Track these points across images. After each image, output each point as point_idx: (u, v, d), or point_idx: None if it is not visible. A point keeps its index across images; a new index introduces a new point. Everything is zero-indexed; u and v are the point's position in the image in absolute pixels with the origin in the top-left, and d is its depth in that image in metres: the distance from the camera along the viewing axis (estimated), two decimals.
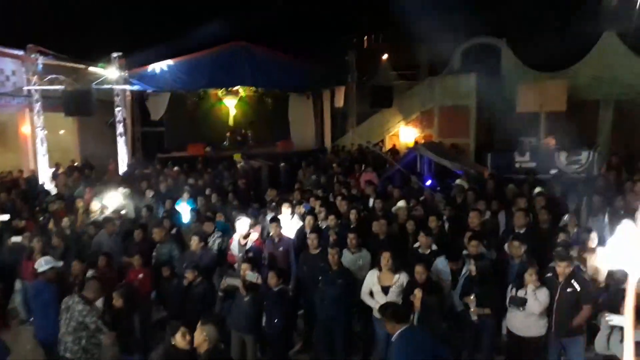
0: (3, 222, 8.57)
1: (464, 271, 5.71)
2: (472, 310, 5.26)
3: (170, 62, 17.12)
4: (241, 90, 19.60)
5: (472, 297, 5.24)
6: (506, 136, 15.18)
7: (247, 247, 7.15)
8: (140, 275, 7.04)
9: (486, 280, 5.32)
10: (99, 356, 5.10)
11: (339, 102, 19.89)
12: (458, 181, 9.85)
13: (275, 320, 5.75)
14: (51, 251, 7.04)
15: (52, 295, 5.74)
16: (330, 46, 19.48)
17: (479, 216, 6.99)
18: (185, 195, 10.11)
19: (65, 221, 8.49)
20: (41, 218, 9.27)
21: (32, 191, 12.49)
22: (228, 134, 19.52)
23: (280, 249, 7.08)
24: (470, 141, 18.28)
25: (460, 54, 20.19)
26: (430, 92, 19.56)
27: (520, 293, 5.09)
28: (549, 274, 5.28)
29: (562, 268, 5.16)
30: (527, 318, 4.99)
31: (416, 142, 17.81)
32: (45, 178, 15.00)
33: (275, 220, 7.31)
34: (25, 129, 16.08)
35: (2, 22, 15.14)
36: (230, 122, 20.28)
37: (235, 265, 6.99)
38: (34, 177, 14.43)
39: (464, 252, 5.99)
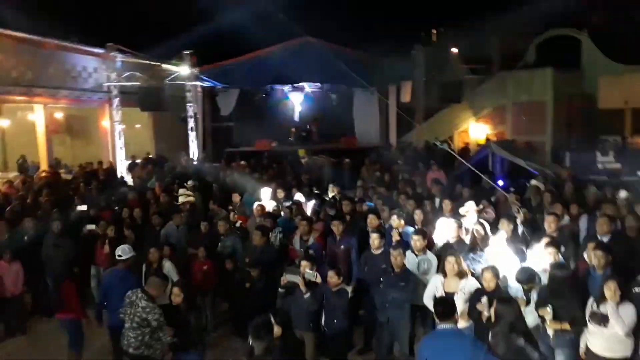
0: (81, 211, 9.08)
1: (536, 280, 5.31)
2: (547, 323, 4.87)
3: (239, 59, 17.49)
4: (307, 86, 19.68)
5: (548, 309, 4.85)
6: (586, 134, 14.17)
7: (309, 243, 7.09)
8: (205, 267, 7.21)
9: (564, 292, 4.89)
10: (160, 352, 5.20)
11: (406, 97, 19.39)
12: (533, 182, 9.27)
13: (335, 321, 5.64)
14: (123, 240, 7.36)
15: (134, 283, 5.87)
16: (397, 40, 19.04)
17: (556, 221, 6.49)
18: (250, 190, 10.24)
19: (137, 212, 8.85)
20: (116, 208, 9.74)
21: (109, 182, 13.19)
22: (293, 130, 19.69)
23: (342, 247, 6.97)
24: (547, 139, 17.26)
25: (536, 46, 19.10)
26: (502, 87, 18.68)
27: (602, 309, 4.61)
28: (637, 288, 4.78)
29: None
30: (610, 337, 4.51)
31: (488, 140, 17.05)
32: (122, 170, 15.83)
33: (336, 218, 7.20)
34: (104, 123, 17.06)
35: (85, 22, 16.09)
36: (296, 117, 20.43)
37: (297, 261, 6.95)
38: (111, 169, 15.24)
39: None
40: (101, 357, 6.65)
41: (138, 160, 16.29)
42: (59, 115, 19.14)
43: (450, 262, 5.41)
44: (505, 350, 4.00)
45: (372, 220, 7.25)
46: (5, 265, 7.25)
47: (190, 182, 10.84)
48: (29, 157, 17.93)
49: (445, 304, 4.28)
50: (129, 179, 14.07)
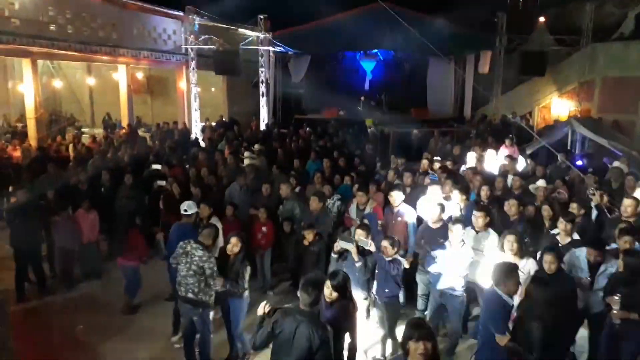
0: (155, 169, 9.59)
1: (602, 268, 4.94)
2: (614, 312, 4.54)
3: (312, 24, 17.34)
4: (379, 54, 19.22)
5: (616, 298, 4.51)
6: None
7: (365, 212, 7.03)
8: (264, 229, 7.38)
9: (636, 281, 4.52)
10: (213, 298, 5.48)
11: (484, 67, 18.44)
12: (616, 163, 8.57)
13: (386, 290, 5.60)
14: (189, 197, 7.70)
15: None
16: (478, 6, 17.95)
17: (636, 206, 5.96)
18: (313, 156, 10.28)
19: (204, 171, 9.19)
20: (187, 166, 10.18)
21: (183, 141, 13.77)
22: (362, 99, 19.41)
23: (399, 219, 6.85)
24: (638, 119, 15.81)
25: (635, 17, 17.30)
26: (592, 60, 17.20)
27: None
28: None
29: None
30: None
31: (570, 117, 15.90)
32: (197, 131, 16.47)
33: (395, 188, 7.06)
34: (182, 84, 17.71)
35: None
36: (366, 86, 20.10)
37: (351, 229, 6.93)
38: (186, 129, 15.89)
39: (611, 245, 5.18)
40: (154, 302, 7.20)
41: (213, 123, 16.87)
42: (140, 75, 20.13)
43: (509, 241, 5.16)
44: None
45: (432, 193, 7.06)
46: (83, 213, 7.83)
47: (256, 146, 11.05)
48: (113, 115, 19.11)
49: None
50: (201, 140, 14.62)
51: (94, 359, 5.85)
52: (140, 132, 15.99)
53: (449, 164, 9.51)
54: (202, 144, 13.57)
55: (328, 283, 4.27)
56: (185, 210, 6.56)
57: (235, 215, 7.35)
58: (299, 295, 3.97)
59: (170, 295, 6.78)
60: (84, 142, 13.74)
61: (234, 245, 5.52)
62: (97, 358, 5.89)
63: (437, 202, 6.54)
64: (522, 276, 5.02)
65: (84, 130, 17.35)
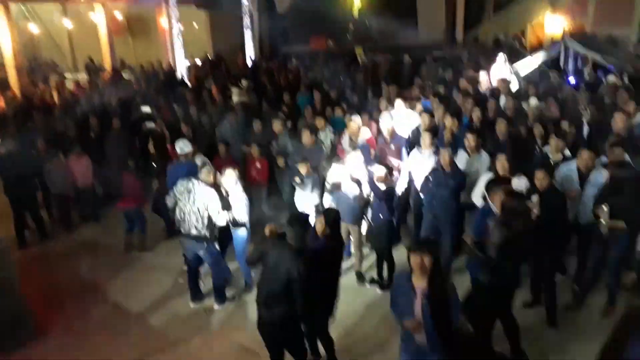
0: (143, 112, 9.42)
1: (591, 177, 5.01)
2: (602, 222, 4.65)
3: None
4: None
5: (604, 208, 4.61)
6: None
7: (358, 143, 7.01)
8: (258, 165, 7.39)
9: (624, 191, 4.60)
10: (216, 233, 5.66)
11: None
12: (610, 78, 8.44)
13: (381, 216, 5.70)
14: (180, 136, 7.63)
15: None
16: None
17: (625, 119, 5.95)
18: (302, 89, 10.10)
19: (193, 111, 9.05)
20: (175, 107, 10.00)
21: (169, 82, 13.45)
22: (351, 27, 18.78)
23: (392, 147, 6.84)
24: (632, 32, 15.41)
25: None
26: None
27: None
28: None
29: None
30: None
31: (563, 34, 15.50)
32: (182, 70, 16.03)
33: (388, 117, 7.00)
34: (163, 22, 17.02)
35: None
36: (355, 13, 19.40)
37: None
38: (171, 70, 15.45)
39: (602, 158, 5.22)
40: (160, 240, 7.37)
41: (198, 61, 16.40)
42: (119, 15, 19.31)
43: (501, 161, 5.20)
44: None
45: (425, 119, 7.02)
46: (75, 159, 7.79)
47: (244, 82, 10.81)
48: (95, 59, 18.52)
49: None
50: (187, 80, 14.27)
51: (102, 299, 6.03)
52: (125, 75, 15.56)
53: (441, 88, 9.36)
54: (189, 84, 13.26)
55: (322, 219, 4.39)
56: (182, 149, 6.58)
57: (228, 153, 7.32)
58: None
59: (168, 231, 6.92)
60: (68, 88, 13.41)
61: (230, 176, 5.58)
62: (105, 297, 6.07)
63: (427, 129, 6.52)
64: None
65: (67, 75, 16.87)
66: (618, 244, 4.75)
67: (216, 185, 5.64)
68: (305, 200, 6.34)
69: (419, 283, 3.39)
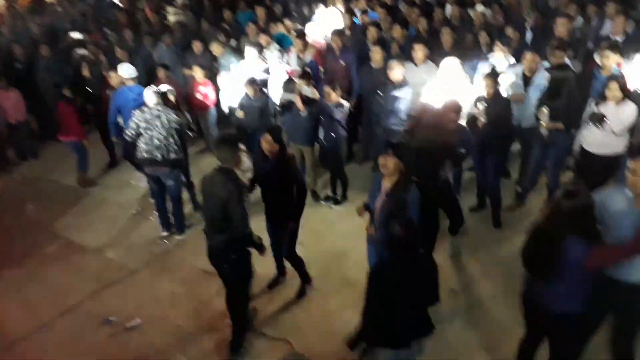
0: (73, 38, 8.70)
1: (534, 80, 5.14)
2: (543, 124, 4.84)
3: None
4: None
5: (544, 111, 4.78)
6: None
7: (306, 60, 6.81)
8: (203, 88, 7.10)
9: (562, 93, 4.75)
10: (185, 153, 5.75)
11: None
12: None
13: (333, 135, 5.69)
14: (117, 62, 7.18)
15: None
16: None
17: (567, 23, 6.02)
18: (242, 5, 9.56)
19: (128, 33, 8.46)
20: (106, 30, 9.32)
21: (98, 4, 12.40)
22: None
23: (341, 62, 6.69)
24: None
25: None
26: None
27: (602, 109, 4.53)
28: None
29: None
30: (605, 136, 4.49)
31: None
32: None
33: (337, 33, 6.77)
34: None
35: None
36: None
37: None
38: None
39: (544, 63, 5.32)
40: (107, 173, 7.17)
41: None
42: None
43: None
44: None
45: (372, 32, 6.85)
46: (2, 92, 7.23)
47: (179, 1, 10.10)
48: None
49: None
50: (117, 0, 13.17)
51: (53, 235, 5.87)
52: None
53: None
54: (120, 5, 12.25)
55: (268, 137, 4.20)
56: (130, 73, 6.30)
57: (169, 77, 6.97)
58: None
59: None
60: None
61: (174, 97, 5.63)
62: (57, 233, 5.91)
63: (376, 42, 6.40)
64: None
65: None
66: (557, 145, 4.98)
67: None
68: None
69: (386, 183, 3.66)
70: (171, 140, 5.35)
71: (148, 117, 5.33)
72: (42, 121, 7.77)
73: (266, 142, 4.22)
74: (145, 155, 5.36)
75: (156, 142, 5.31)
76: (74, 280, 5.09)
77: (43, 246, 5.66)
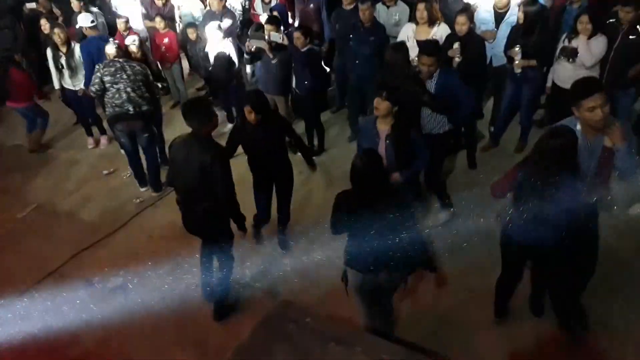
0: None
1: (506, 16, 5.07)
2: (516, 62, 4.81)
3: None
4: None
5: (517, 49, 4.74)
6: None
7: (272, 5, 6.54)
8: (166, 39, 6.83)
9: (535, 30, 4.71)
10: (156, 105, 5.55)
11: None
12: None
13: (305, 82, 5.55)
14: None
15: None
16: None
17: None
18: None
19: None
20: None
21: None
22: None
23: (311, 6, 6.46)
24: None
25: None
26: None
27: (574, 43, 4.52)
28: (612, 20, 4.60)
29: (624, 13, 4.48)
30: (576, 70, 4.48)
31: None
32: None
33: None
34: None
35: None
36: None
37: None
38: None
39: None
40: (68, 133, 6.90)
41: None
42: None
43: (420, 10, 5.09)
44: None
45: None
46: None
47: None
48: None
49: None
50: None
51: (23, 202, 5.68)
52: None
53: None
54: None
55: (248, 108, 3.89)
56: (92, 22, 6.11)
57: (129, 28, 6.63)
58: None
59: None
60: None
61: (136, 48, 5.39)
62: (26, 199, 5.74)
63: None
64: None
65: None
66: (531, 83, 4.97)
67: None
68: None
69: (383, 127, 3.64)
70: (139, 92, 5.16)
71: (112, 70, 5.11)
72: None
73: (248, 113, 3.93)
74: (116, 110, 5.15)
75: (124, 95, 5.11)
76: (49, 246, 4.97)
77: (13, 214, 5.49)
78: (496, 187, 3.07)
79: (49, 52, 6.17)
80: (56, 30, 6.04)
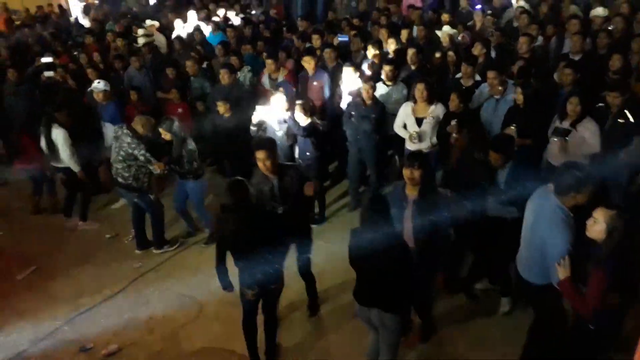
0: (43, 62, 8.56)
1: (504, 95, 5.36)
2: None
3: None
4: None
5: (512, 128, 4.97)
6: None
7: (278, 81, 6.90)
8: (180, 110, 7.06)
9: (530, 110, 4.96)
10: (149, 184, 5.52)
11: None
12: (519, 2, 8.74)
13: (307, 153, 5.76)
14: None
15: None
16: None
17: (529, 42, 6.31)
18: (214, 27, 9.63)
19: (96, 56, 8.40)
20: (75, 53, 9.21)
21: (65, 26, 12.27)
22: None
23: (315, 83, 6.80)
24: None
25: None
26: None
27: (565, 124, 4.74)
28: (601, 104, 4.86)
29: (612, 98, 4.73)
30: (570, 148, 4.69)
31: None
32: (77, 12, 14.61)
33: (309, 53, 6.89)
34: None
35: None
36: None
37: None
38: (64, 11, 14.05)
39: (510, 81, 5.55)
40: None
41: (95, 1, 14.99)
42: None
43: (419, 89, 5.37)
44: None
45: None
46: None
47: (148, 22, 10.10)
48: None
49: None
50: (85, 22, 13.07)
51: (24, 262, 5.69)
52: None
53: (355, 21, 9.32)
54: (88, 26, 12.15)
55: (262, 153, 3.95)
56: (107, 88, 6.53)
57: (140, 100, 6.95)
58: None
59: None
60: None
61: (164, 134, 5.31)
62: (27, 260, 5.73)
63: (348, 63, 6.54)
64: (432, 121, 5.38)
65: None
66: (526, 161, 5.13)
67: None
68: None
69: (411, 193, 3.82)
70: (122, 165, 5.25)
71: (113, 135, 5.39)
72: (10, 145, 7.57)
73: (262, 159, 3.97)
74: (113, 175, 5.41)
75: (112, 161, 5.36)
76: (47, 307, 4.95)
77: (14, 273, 5.50)
78: None
79: None
80: None
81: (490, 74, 5.39)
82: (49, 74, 7.85)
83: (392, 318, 3.38)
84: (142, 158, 5.22)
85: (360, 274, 3.46)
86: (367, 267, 3.34)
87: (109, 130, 6.17)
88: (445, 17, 8.44)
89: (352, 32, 8.05)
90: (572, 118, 4.67)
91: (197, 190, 5.68)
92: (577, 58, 5.98)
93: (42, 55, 8.69)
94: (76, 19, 13.63)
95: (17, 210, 6.89)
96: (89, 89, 6.90)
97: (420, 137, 5.41)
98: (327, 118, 6.65)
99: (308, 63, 6.75)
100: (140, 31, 9.42)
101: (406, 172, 3.77)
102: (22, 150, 6.40)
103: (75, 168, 6.00)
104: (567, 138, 4.67)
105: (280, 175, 4.07)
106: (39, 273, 5.55)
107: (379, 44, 7.09)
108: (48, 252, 5.90)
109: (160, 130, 5.34)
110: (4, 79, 7.81)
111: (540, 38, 6.96)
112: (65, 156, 5.92)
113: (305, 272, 4.56)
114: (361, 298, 3.49)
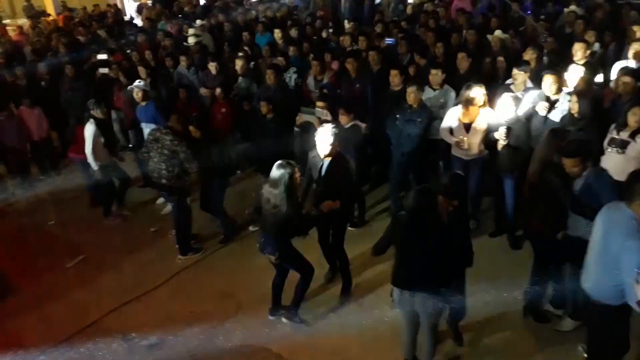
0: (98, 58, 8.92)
1: (557, 105, 5.14)
2: None
3: None
4: None
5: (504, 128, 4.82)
6: None
7: (322, 82, 6.91)
8: (224, 110, 7.15)
9: (585, 119, 4.75)
10: (188, 183, 5.59)
11: None
12: (572, 7, 8.44)
13: (348, 156, 5.72)
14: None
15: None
16: None
17: (585, 48, 6.05)
18: (261, 28, 9.74)
19: (148, 54, 8.64)
20: (128, 51, 9.52)
21: (119, 24, 12.72)
22: None
23: (357, 85, 6.77)
24: None
25: None
26: None
27: (623, 135, 4.51)
28: None
29: None
30: (626, 162, 4.46)
31: None
32: (131, 11, 15.15)
33: (352, 55, 6.87)
34: None
35: None
36: None
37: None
38: (119, 11, 14.57)
39: (564, 89, 5.34)
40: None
41: (149, 1, 15.48)
42: None
43: (468, 95, 5.24)
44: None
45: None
46: (26, 111, 7.41)
47: (199, 22, 10.33)
48: (34, 2, 17.15)
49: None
50: (138, 21, 13.52)
51: (72, 251, 5.93)
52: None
53: (403, 24, 9.22)
54: (141, 25, 12.56)
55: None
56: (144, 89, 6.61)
57: (188, 98, 7.10)
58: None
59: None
60: (10, 35, 12.51)
61: (194, 132, 5.48)
62: (76, 249, 5.97)
63: (394, 66, 6.46)
64: (481, 127, 5.25)
65: (6, 22, 15.65)
66: None
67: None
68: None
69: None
70: (167, 164, 5.31)
71: (150, 139, 5.45)
72: (65, 138, 7.91)
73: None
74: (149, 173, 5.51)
75: (153, 165, 5.40)
76: (92, 297, 5.14)
77: (63, 262, 5.73)
78: None
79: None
80: None
81: (549, 77, 5.21)
82: (103, 70, 8.16)
83: (436, 301, 3.50)
84: (182, 155, 5.30)
85: (405, 259, 3.57)
86: (415, 250, 3.47)
87: (147, 131, 6.18)
88: (494, 21, 8.24)
89: (400, 35, 7.97)
90: (633, 129, 4.44)
91: (217, 190, 5.79)
92: (636, 66, 5.69)
93: (98, 53, 9.06)
94: (130, 17, 14.13)
95: (69, 200, 7.17)
96: (128, 87, 7.04)
97: (468, 144, 5.28)
98: (369, 121, 6.62)
99: (351, 65, 6.73)
100: (191, 31, 9.65)
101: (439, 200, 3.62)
102: (75, 140, 6.65)
103: (94, 166, 6.15)
104: (624, 150, 4.45)
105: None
106: (86, 262, 5.77)
107: (425, 48, 6.94)
108: (96, 243, 6.11)
109: (190, 128, 5.50)
110: (62, 74, 8.16)
111: (596, 45, 6.68)
112: (87, 151, 6.10)
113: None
114: (407, 283, 3.56)
